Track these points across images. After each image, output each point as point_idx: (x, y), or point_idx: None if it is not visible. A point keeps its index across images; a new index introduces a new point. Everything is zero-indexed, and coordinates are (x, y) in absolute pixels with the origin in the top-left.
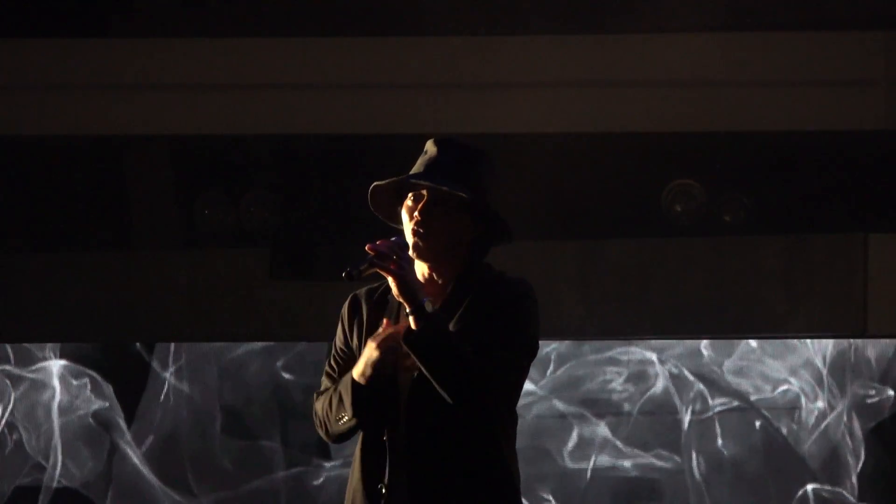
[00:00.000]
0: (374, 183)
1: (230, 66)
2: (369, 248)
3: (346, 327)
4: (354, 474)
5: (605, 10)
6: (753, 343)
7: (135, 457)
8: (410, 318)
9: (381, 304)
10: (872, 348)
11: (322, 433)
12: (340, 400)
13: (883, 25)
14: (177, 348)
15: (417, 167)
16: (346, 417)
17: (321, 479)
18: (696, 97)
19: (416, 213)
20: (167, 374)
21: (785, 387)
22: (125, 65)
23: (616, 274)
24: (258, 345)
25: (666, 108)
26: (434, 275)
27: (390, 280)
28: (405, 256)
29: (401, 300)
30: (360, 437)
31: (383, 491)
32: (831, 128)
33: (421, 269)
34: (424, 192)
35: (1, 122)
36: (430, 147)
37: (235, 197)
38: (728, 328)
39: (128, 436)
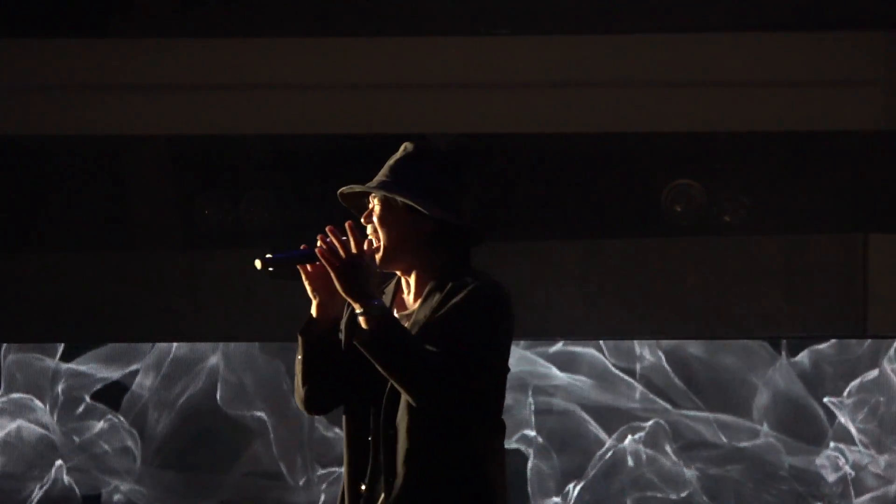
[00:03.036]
0: (339, 194)
1: (230, 66)
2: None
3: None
4: (343, 472)
5: (605, 10)
6: None
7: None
8: (360, 319)
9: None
10: None
11: (295, 396)
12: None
13: (883, 25)
14: None
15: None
16: (299, 352)
17: None
18: (696, 97)
19: (365, 224)
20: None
21: None
22: (125, 65)
23: (616, 274)
24: None
25: (666, 108)
26: (413, 284)
27: (332, 275)
28: (356, 253)
29: (347, 298)
30: (345, 435)
31: (362, 489)
32: (831, 128)
33: (404, 280)
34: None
35: (1, 122)
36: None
37: (235, 197)
38: (728, 328)
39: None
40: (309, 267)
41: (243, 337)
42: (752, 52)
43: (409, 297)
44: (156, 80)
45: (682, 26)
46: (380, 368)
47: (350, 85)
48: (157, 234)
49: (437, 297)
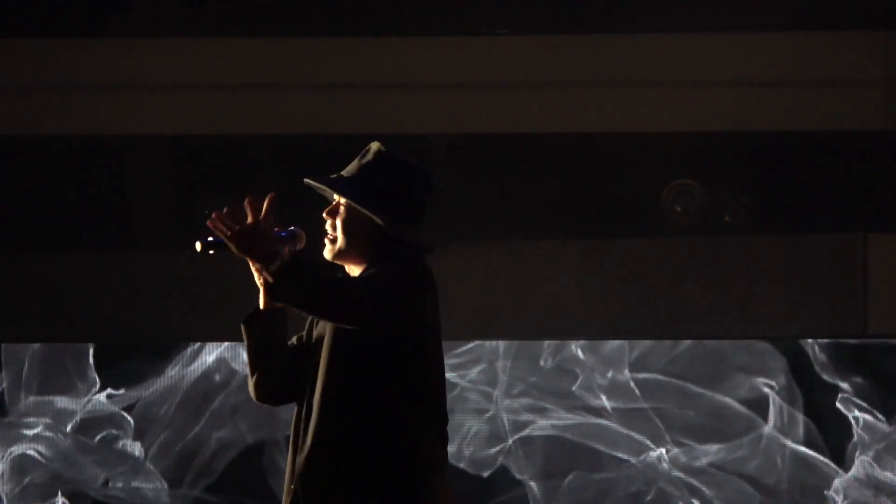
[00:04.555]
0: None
1: (230, 66)
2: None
3: None
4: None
5: (605, 10)
6: None
7: None
8: (268, 276)
9: None
10: None
11: (250, 388)
12: None
13: (883, 26)
14: None
15: None
16: (244, 342)
17: None
18: (696, 97)
19: (326, 217)
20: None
21: None
22: (125, 65)
23: (616, 274)
24: None
25: (666, 108)
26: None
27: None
28: (250, 223)
29: (247, 257)
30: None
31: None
32: (831, 128)
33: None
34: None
35: (1, 122)
36: None
37: (235, 197)
38: (728, 329)
39: None
40: None
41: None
42: (752, 52)
43: None
44: (156, 80)
45: (682, 26)
46: (297, 308)
47: (350, 85)
48: (157, 233)
49: None
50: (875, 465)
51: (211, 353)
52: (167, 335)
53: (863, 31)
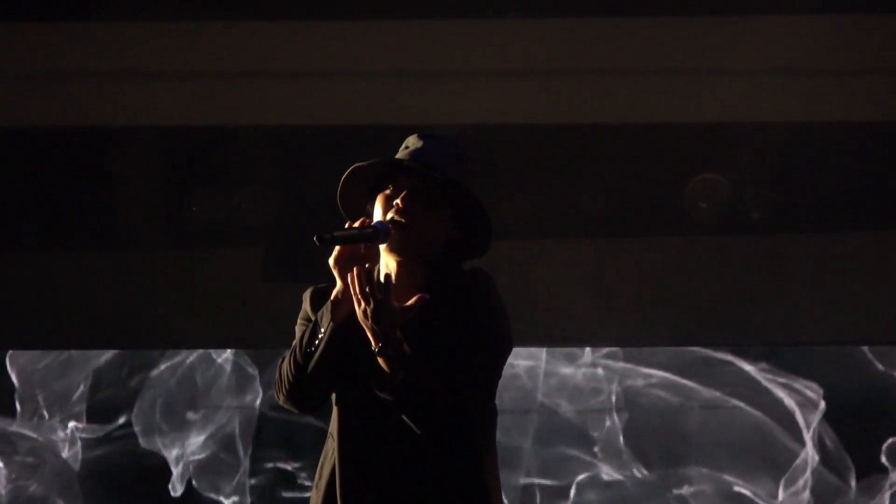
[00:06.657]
0: (355, 164)
1: (221, 52)
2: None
3: (312, 311)
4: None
5: None
6: None
7: None
8: (380, 360)
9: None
10: None
11: (281, 391)
12: (316, 325)
13: None
14: None
15: (401, 156)
16: (323, 329)
17: None
18: (722, 85)
19: (397, 202)
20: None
21: None
22: (109, 51)
23: (636, 275)
24: None
25: (690, 98)
26: (403, 275)
27: (359, 305)
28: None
29: (367, 328)
30: (337, 431)
31: (354, 489)
32: (866, 119)
33: (389, 271)
34: (404, 184)
35: None
36: (413, 141)
37: (227, 193)
38: (755, 334)
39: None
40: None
41: (235, 343)
42: (782, 36)
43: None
44: (142, 67)
45: (708, 9)
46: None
47: (350, 73)
48: (144, 232)
49: (434, 303)
50: None
51: (199, 358)
52: (154, 340)
53: None
